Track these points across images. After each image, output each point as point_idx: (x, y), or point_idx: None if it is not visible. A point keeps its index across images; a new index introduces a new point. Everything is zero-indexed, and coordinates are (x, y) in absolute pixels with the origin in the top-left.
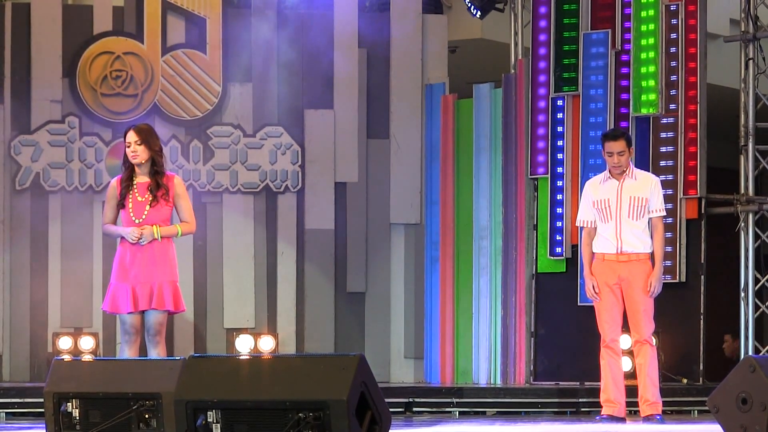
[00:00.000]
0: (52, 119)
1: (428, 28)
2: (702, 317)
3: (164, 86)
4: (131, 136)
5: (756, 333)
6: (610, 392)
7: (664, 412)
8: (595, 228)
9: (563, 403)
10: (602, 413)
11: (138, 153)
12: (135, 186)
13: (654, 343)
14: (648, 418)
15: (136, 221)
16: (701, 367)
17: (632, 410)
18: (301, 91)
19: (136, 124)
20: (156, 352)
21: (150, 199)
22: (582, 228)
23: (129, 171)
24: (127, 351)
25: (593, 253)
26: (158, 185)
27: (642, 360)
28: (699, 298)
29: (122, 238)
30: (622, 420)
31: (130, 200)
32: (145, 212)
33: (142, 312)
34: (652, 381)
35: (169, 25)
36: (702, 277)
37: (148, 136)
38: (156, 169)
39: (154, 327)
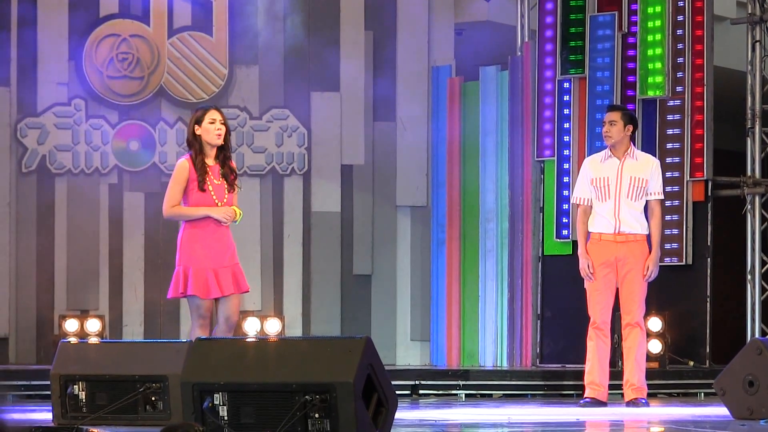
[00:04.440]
0: (59, 102)
1: (435, 10)
2: (708, 300)
3: (170, 69)
4: (216, 114)
5: (762, 315)
6: (596, 375)
7: (670, 395)
8: (591, 206)
9: (569, 385)
10: (586, 396)
11: (222, 132)
12: (208, 169)
13: (644, 327)
14: (632, 402)
15: (219, 204)
16: (708, 350)
17: (614, 393)
18: (307, 74)
19: (208, 105)
20: (231, 335)
21: (225, 184)
22: (577, 205)
23: (202, 154)
24: (201, 334)
25: (589, 233)
26: (231, 170)
27: (631, 343)
28: (705, 281)
29: (189, 221)
30: (603, 404)
31: (209, 183)
32: (226, 197)
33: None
34: (639, 366)
35: (176, 7)
36: (708, 259)
37: (226, 120)
38: (226, 154)
39: (236, 312)
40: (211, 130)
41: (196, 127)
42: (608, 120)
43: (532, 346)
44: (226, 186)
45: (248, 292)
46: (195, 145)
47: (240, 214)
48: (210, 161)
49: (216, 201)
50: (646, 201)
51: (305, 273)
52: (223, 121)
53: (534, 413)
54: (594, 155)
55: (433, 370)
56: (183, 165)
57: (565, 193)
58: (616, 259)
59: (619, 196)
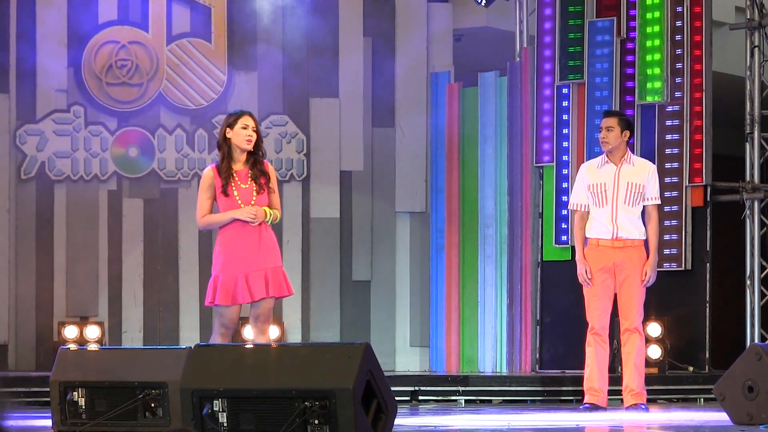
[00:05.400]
0: (58, 108)
1: (433, 16)
2: (708, 305)
3: (169, 75)
4: (249, 120)
5: (762, 321)
6: (595, 380)
7: (670, 400)
8: (588, 212)
9: (569, 391)
10: (585, 401)
11: (252, 139)
12: (234, 173)
13: (643, 332)
14: (632, 408)
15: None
16: (707, 355)
17: (613, 399)
18: (306, 80)
19: (242, 110)
20: (265, 339)
21: (255, 186)
22: (574, 211)
23: (228, 159)
24: (220, 341)
25: (586, 238)
26: (262, 172)
27: (630, 349)
28: (705, 286)
29: (222, 227)
30: (603, 409)
31: (234, 187)
32: (253, 199)
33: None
34: (638, 371)
35: (174, 14)
36: (708, 264)
37: (258, 125)
38: (257, 158)
39: (265, 314)
40: (242, 134)
41: (228, 130)
42: (605, 126)
43: (531, 351)
44: (255, 188)
45: (287, 296)
46: (224, 148)
47: (270, 213)
48: (238, 166)
49: (241, 204)
50: (644, 206)
51: (304, 279)
52: (255, 129)
53: (533, 419)
54: (591, 161)
55: (432, 376)
56: (206, 174)
57: (564, 198)
58: (614, 265)
59: (617, 201)
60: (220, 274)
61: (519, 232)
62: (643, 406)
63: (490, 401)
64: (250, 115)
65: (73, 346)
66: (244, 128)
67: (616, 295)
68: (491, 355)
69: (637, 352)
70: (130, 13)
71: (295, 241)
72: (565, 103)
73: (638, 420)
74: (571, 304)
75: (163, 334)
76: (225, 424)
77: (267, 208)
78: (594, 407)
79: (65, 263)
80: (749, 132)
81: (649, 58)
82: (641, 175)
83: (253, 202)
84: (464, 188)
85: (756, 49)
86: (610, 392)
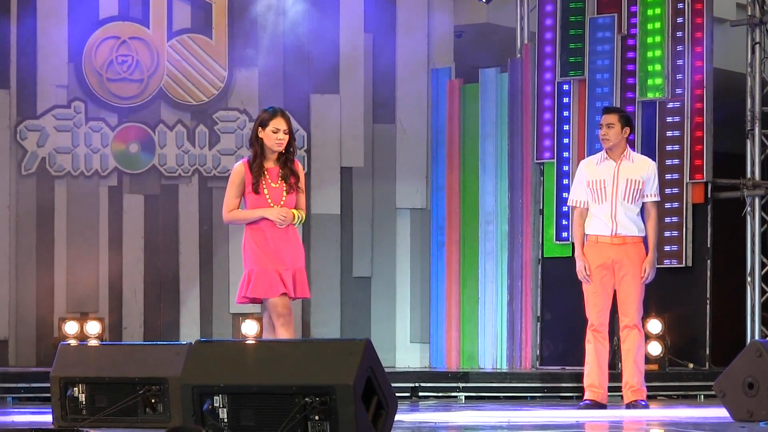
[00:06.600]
0: (58, 104)
1: (434, 12)
2: (708, 302)
3: (170, 71)
4: (281, 123)
5: (762, 317)
6: (595, 377)
7: (670, 397)
8: (587, 209)
9: (569, 387)
10: (585, 398)
11: (283, 142)
12: (266, 171)
13: (642, 329)
14: (632, 404)
15: (274, 207)
16: (708, 352)
17: (613, 395)
18: (307, 76)
19: (275, 107)
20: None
21: (285, 186)
22: (574, 208)
23: (260, 157)
24: (284, 333)
25: (586, 235)
26: (292, 172)
27: (629, 345)
28: (705, 283)
29: (251, 223)
30: (603, 406)
31: (264, 186)
32: (283, 199)
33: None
34: (638, 367)
35: (175, 9)
36: (708, 261)
37: (291, 125)
38: (288, 157)
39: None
40: (273, 138)
41: (260, 129)
42: (606, 123)
43: (531, 348)
44: (285, 188)
45: (307, 298)
46: (256, 146)
47: (298, 216)
48: (270, 164)
49: (270, 203)
50: (643, 203)
51: None
52: (287, 131)
53: (533, 415)
54: (590, 157)
55: (432, 372)
56: (237, 169)
57: (565, 195)
58: (613, 262)
59: (616, 198)
60: (254, 267)
61: (519, 229)
62: (642, 403)
63: (490, 397)
64: (283, 115)
65: (73, 342)
66: (275, 132)
67: (615, 291)
68: (491, 352)
69: (636, 349)
70: (130, 8)
71: None
72: (565, 100)
73: (638, 416)
74: (571, 301)
75: (164, 329)
76: (225, 420)
77: (295, 211)
78: (594, 404)
79: (66, 259)
80: (750, 129)
81: (650, 54)
82: (640, 171)
83: (282, 202)
84: (465, 185)
85: (757, 45)
86: (610, 389)
